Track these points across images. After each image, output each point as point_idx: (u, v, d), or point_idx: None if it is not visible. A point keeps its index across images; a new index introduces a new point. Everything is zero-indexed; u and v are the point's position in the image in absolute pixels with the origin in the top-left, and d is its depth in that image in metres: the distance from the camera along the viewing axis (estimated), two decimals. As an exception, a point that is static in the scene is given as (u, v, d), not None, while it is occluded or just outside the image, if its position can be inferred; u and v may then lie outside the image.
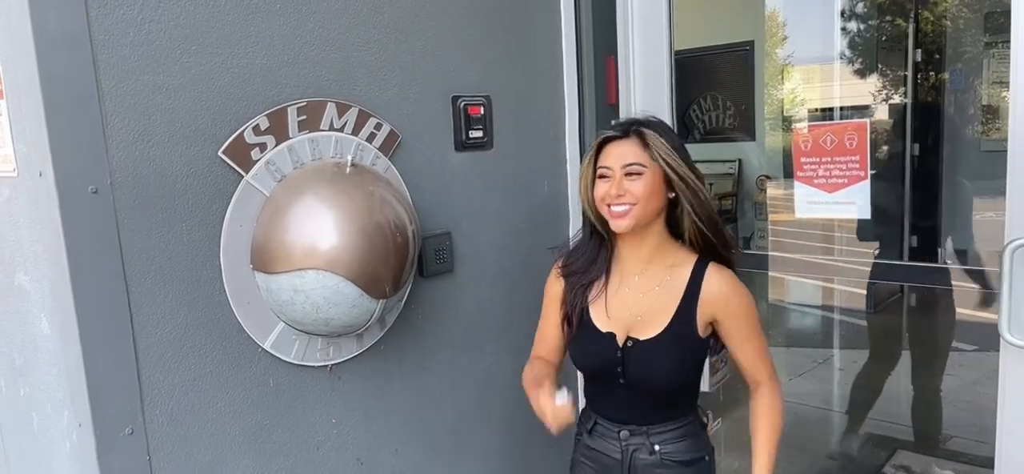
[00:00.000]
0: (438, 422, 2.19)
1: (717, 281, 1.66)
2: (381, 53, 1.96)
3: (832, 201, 2.20)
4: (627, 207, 1.62)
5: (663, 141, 1.63)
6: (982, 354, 4.19)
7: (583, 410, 1.84)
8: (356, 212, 1.68)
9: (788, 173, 3.62)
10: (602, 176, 1.65)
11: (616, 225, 1.64)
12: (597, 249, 1.76)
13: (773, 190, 4.78)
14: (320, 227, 1.66)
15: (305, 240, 1.66)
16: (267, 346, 1.79)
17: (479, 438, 2.31)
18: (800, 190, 2.22)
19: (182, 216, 1.63)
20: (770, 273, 4.69)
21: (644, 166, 1.62)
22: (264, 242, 1.70)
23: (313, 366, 1.89)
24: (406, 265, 1.79)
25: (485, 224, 2.28)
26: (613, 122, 1.72)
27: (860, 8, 4.96)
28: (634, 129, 1.65)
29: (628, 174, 1.62)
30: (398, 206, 1.79)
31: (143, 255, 1.58)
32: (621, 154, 1.64)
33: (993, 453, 1.88)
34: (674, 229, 1.71)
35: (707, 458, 1.75)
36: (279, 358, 1.82)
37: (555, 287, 1.80)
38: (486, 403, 2.33)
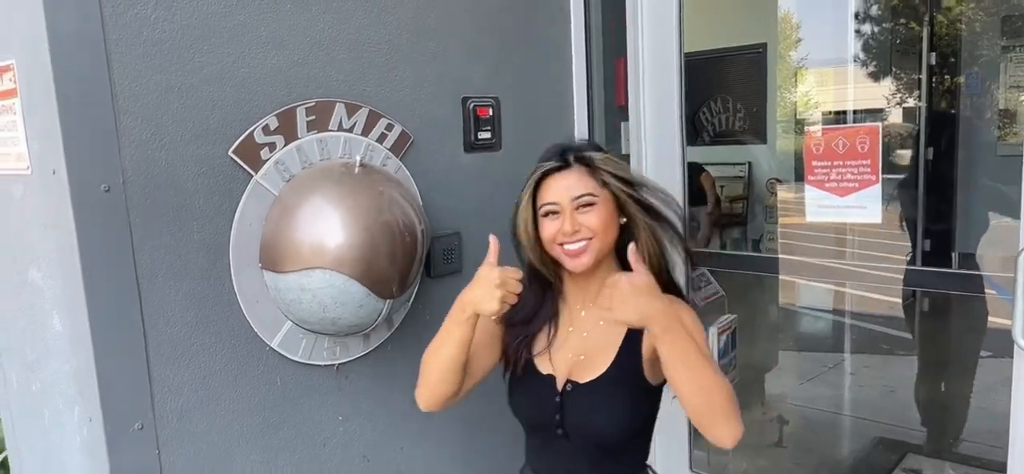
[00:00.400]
0: (443, 421, 2.20)
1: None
2: (392, 54, 1.98)
3: (843, 205, 2.19)
4: (584, 243, 1.44)
5: (609, 162, 1.47)
6: (996, 360, 4.17)
7: (522, 470, 1.63)
8: (363, 212, 1.69)
9: (799, 177, 3.60)
10: (548, 214, 1.46)
11: (575, 264, 1.45)
12: (540, 296, 1.55)
13: (784, 193, 4.77)
14: (327, 227, 1.67)
15: (312, 239, 1.67)
16: (274, 345, 1.81)
17: (486, 437, 2.32)
18: (811, 194, 2.22)
19: (193, 215, 1.65)
20: (780, 277, 4.67)
21: (595, 196, 1.45)
22: (272, 241, 1.71)
23: (320, 365, 1.91)
24: (414, 265, 1.80)
25: (493, 225, 2.29)
26: (547, 150, 1.51)
27: (874, 10, 4.94)
28: (577, 157, 1.47)
29: (580, 207, 1.44)
30: (407, 206, 1.80)
31: (154, 253, 1.60)
32: (568, 186, 1.45)
33: (1006, 457, 1.88)
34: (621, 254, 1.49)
35: None
36: (286, 357, 1.84)
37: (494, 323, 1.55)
38: (492, 401, 2.34)
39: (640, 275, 1.29)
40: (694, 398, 1.28)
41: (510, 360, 1.54)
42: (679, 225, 1.50)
